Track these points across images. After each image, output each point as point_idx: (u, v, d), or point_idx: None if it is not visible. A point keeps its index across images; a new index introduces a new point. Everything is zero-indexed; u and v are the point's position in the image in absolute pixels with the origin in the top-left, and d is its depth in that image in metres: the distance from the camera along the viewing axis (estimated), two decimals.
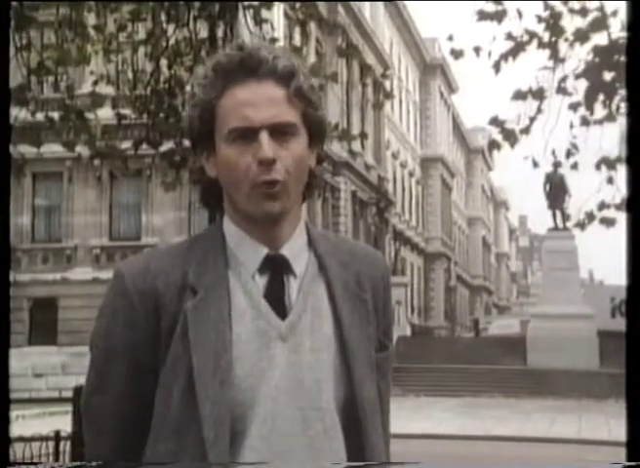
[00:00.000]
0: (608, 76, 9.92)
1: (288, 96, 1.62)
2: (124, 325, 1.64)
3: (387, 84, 34.63)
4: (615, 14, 9.85)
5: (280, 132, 1.61)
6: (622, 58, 9.26)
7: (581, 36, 9.86)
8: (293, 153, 1.62)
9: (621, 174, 10.33)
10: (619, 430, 15.38)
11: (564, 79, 10.19)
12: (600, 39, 9.94)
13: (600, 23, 9.82)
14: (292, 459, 1.57)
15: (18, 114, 8.65)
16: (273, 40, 9.60)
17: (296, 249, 1.68)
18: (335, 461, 1.61)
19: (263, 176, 1.59)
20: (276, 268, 1.66)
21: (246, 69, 1.62)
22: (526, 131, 10.33)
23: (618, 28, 9.81)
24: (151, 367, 1.62)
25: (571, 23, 10.03)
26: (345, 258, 1.72)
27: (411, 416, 20.00)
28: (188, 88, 9.35)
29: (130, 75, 10.72)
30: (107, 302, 1.68)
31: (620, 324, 28.25)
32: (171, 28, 9.52)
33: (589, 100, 10.07)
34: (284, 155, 1.60)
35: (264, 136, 1.59)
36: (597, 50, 9.89)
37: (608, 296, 33.85)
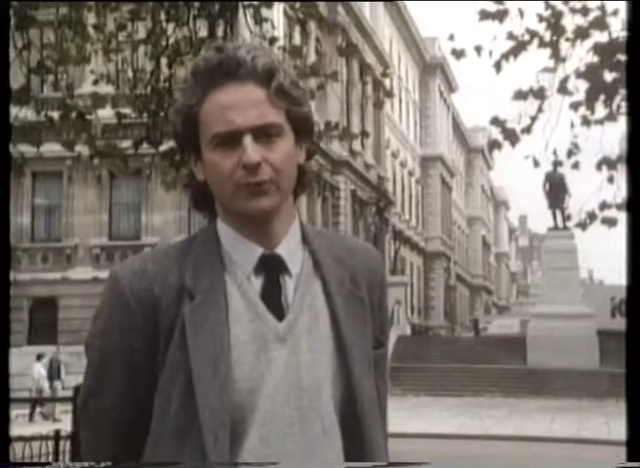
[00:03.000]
0: (609, 76, 9.92)
1: (269, 95, 1.60)
2: (120, 326, 1.63)
3: (387, 83, 34.59)
4: (615, 13, 9.84)
5: (265, 133, 1.59)
6: (623, 58, 9.25)
7: (582, 33, 9.85)
8: (279, 153, 1.60)
9: (622, 173, 10.31)
10: (618, 430, 15.36)
11: (565, 79, 10.18)
12: (601, 37, 9.94)
13: (601, 22, 9.81)
14: (291, 460, 1.57)
15: (17, 114, 8.63)
16: (273, 39, 9.59)
17: (291, 247, 1.66)
18: (333, 461, 1.60)
19: (249, 179, 1.58)
20: (272, 268, 1.64)
21: (225, 72, 1.60)
22: (527, 130, 10.31)
23: (618, 27, 9.80)
24: (148, 369, 1.61)
25: (572, 23, 10.02)
26: (340, 255, 1.71)
27: (410, 416, 20.00)
28: None
29: (130, 74, 10.70)
30: (103, 304, 1.67)
31: (619, 323, 28.25)
32: (171, 27, 9.50)
33: (590, 100, 10.06)
34: (270, 156, 1.58)
35: (248, 140, 1.57)
36: (598, 48, 9.88)
37: (608, 296, 33.90)
